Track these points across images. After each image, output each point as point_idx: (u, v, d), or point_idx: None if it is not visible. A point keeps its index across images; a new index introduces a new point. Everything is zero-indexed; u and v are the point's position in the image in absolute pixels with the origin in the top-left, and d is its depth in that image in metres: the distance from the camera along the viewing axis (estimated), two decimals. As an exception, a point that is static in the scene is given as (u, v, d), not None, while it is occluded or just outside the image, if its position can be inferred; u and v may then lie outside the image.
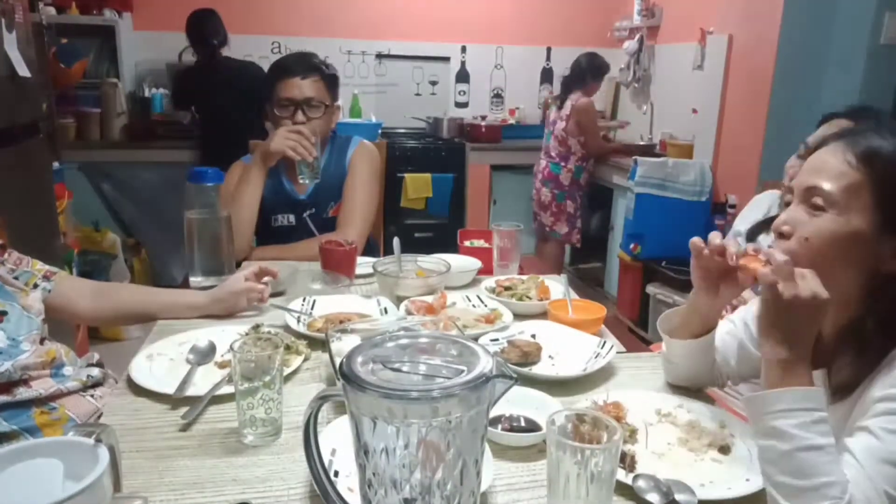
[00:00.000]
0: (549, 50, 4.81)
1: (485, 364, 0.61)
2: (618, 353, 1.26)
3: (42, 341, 1.22)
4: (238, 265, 1.49)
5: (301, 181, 1.87)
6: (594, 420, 0.76)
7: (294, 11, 4.37)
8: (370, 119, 4.44)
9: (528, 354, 1.20)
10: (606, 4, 4.69)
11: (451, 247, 1.86)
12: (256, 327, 1.31)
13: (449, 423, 0.58)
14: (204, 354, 1.20)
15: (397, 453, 0.59)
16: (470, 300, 1.52)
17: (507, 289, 1.55)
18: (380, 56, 4.56)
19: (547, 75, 4.87)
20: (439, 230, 4.15)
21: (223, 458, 0.92)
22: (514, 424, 0.97)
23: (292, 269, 1.60)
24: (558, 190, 3.92)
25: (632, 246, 3.52)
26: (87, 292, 1.37)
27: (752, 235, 1.48)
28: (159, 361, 1.19)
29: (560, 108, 3.89)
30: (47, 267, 1.35)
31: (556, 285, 1.58)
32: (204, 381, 1.11)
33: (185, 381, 1.09)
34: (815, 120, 1.63)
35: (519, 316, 1.43)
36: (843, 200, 0.82)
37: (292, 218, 1.99)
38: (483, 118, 4.63)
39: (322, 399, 0.70)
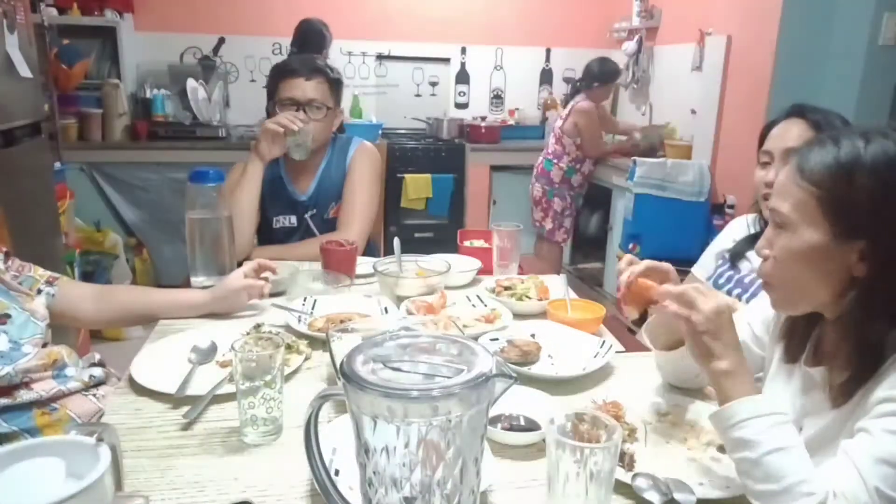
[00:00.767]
0: (548, 51, 4.82)
1: (485, 363, 0.61)
2: (617, 352, 1.26)
3: (44, 345, 1.22)
4: (239, 265, 1.50)
5: (292, 155, 1.86)
6: (593, 419, 0.77)
7: (295, 12, 4.36)
8: (370, 120, 4.44)
9: (528, 354, 1.20)
10: (605, 5, 4.69)
11: (451, 247, 1.86)
12: (258, 327, 1.31)
13: (449, 423, 0.59)
14: (205, 354, 1.20)
15: (397, 452, 0.59)
16: (470, 300, 1.52)
17: (506, 289, 1.55)
18: (380, 57, 4.56)
19: (546, 76, 4.87)
20: (439, 230, 4.15)
21: (224, 457, 0.92)
22: (514, 424, 0.98)
23: (293, 269, 1.61)
24: (548, 186, 3.94)
25: (631, 246, 3.53)
26: (88, 296, 1.37)
27: (735, 257, 1.49)
28: (161, 361, 1.19)
29: (565, 107, 3.91)
30: (49, 273, 1.35)
31: (556, 285, 1.58)
32: (205, 380, 1.11)
33: (186, 381, 1.10)
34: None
35: (519, 316, 1.44)
36: (795, 218, 0.86)
37: (293, 219, 1.99)
38: (483, 119, 4.63)
39: (323, 398, 0.70)
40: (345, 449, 0.87)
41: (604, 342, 1.27)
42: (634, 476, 0.86)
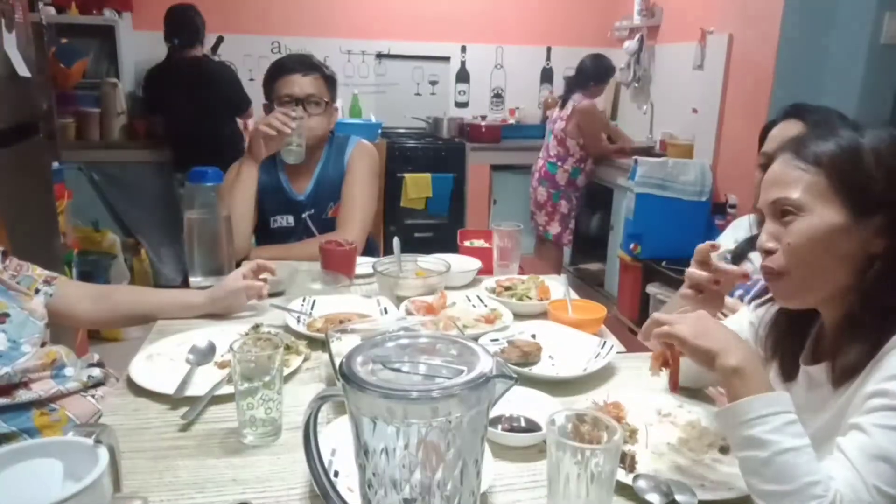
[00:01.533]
0: (549, 50, 4.82)
1: (485, 364, 0.61)
2: (618, 353, 1.26)
3: (43, 345, 1.22)
4: (238, 265, 1.49)
5: (286, 160, 1.86)
6: (594, 420, 0.76)
7: (294, 11, 4.37)
8: (370, 119, 4.44)
9: (528, 354, 1.20)
10: (606, 4, 4.69)
11: (451, 247, 1.86)
12: (256, 327, 1.31)
13: (449, 424, 0.58)
14: (204, 354, 1.19)
15: (397, 453, 0.59)
16: (470, 300, 1.52)
17: (507, 289, 1.55)
18: (380, 56, 4.56)
19: (547, 75, 4.87)
20: (439, 230, 4.15)
21: (223, 458, 0.92)
22: (514, 424, 0.97)
23: (292, 270, 1.60)
24: (554, 189, 3.92)
25: (632, 246, 3.53)
26: (86, 296, 1.37)
27: (738, 258, 1.49)
28: (159, 361, 1.19)
29: (562, 108, 3.89)
30: (47, 272, 1.35)
31: (556, 285, 1.58)
32: (204, 381, 1.11)
33: (184, 382, 1.09)
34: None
35: (519, 316, 1.43)
36: (809, 201, 0.86)
37: (291, 219, 1.99)
38: (483, 118, 4.63)
39: (322, 399, 0.70)
40: (344, 450, 0.87)
41: (605, 343, 1.26)
42: (636, 477, 0.86)
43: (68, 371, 1.21)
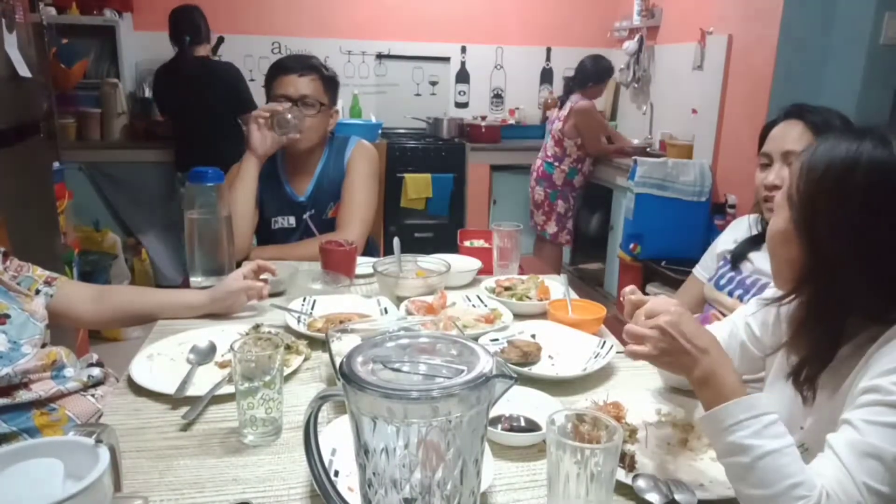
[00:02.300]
0: (548, 50, 4.82)
1: (485, 364, 0.61)
2: (618, 352, 1.25)
3: (43, 346, 1.22)
4: (238, 265, 1.50)
5: (288, 136, 1.84)
6: (594, 420, 0.76)
7: (294, 11, 4.37)
8: (370, 119, 4.44)
9: (528, 354, 1.20)
10: (606, 5, 4.69)
11: (451, 247, 1.86)
12: (257, 327, 1.31)
13: (449, 423, 0.58)
14: (204, 354, 1.20)
15: (397, 453, 0.59)
16: (470, 300, 1.52)
17: (507, 289, 1.55)
18: (380, 56, 4.56)
19: (547, 75, 4.87)
20: (439, 230, 4.15)
21: (223, 457, 0.92)
22: (514, 424, 0.97)
23: (292, 270, 1.61)
24: (551, 189, 3.93)
25: (631, 246, 3.53)
26: (87, 297, 1.37)
27: (738, 258, 1.48)
28: (159, 361, 1.19)
29: (561, 108, 3.89)
30: (48, 273, 1.35)
31: (556, 285, 1.58)
32: (204, 380, 1.11)
33: (185, 381, 1.09)
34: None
35: (519, 316, 1.44)
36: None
37: (292, 220, 1.99)
38: (483, 118, 4.63)
39: (322, 399, 0.70)
40: (344, 450, 0.87)
41: (604, 342, 1.26)
42: (635, 477, 0.86)
43: (68, 371, 1.22)
